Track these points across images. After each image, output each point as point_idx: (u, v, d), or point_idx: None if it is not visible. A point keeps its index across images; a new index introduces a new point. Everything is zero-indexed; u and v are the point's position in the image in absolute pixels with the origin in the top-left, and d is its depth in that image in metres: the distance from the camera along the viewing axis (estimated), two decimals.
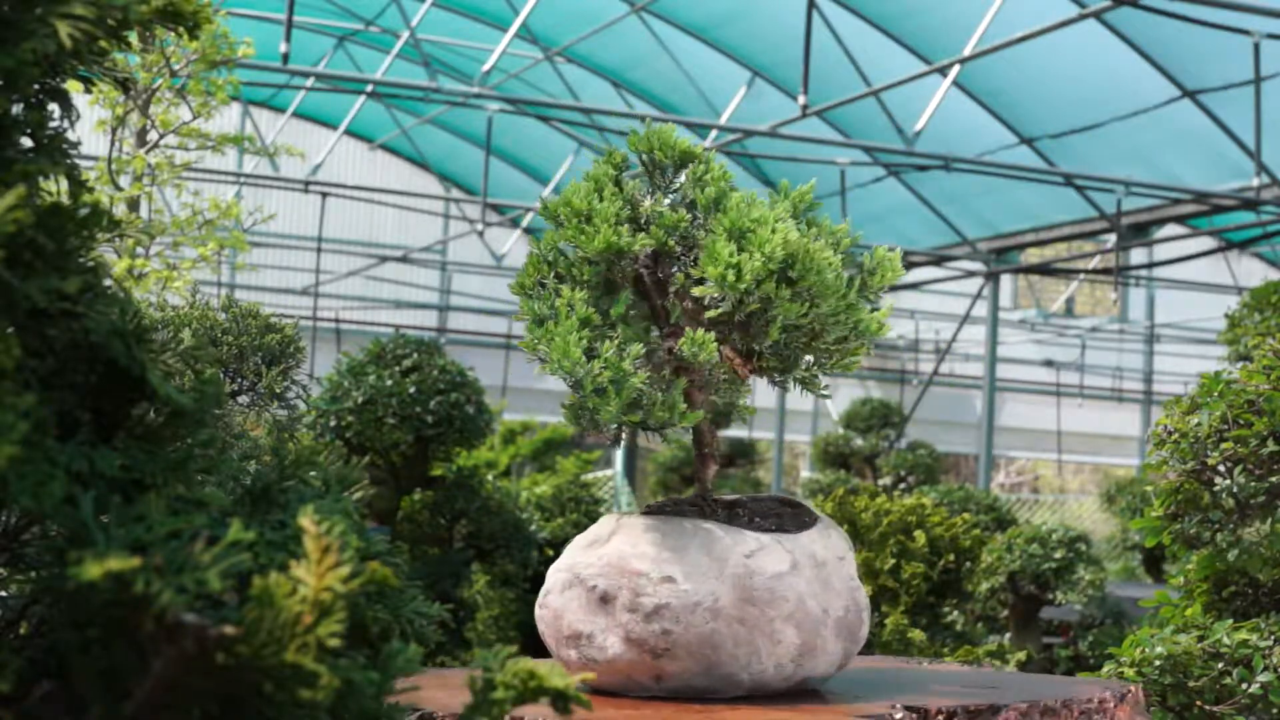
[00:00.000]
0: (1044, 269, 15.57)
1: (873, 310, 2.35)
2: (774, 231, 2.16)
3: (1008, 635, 7.24)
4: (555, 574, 2.31)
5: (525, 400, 16.85)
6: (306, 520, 1.06)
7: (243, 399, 2.91)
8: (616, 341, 2.18)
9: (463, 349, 17.53)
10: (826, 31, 9.86)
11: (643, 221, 2.30)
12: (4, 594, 1.32)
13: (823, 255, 2.20)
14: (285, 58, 8.34)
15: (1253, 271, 16.84)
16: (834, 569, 2.30)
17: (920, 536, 5.80)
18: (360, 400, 6.11)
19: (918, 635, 5.57)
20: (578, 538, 2.36)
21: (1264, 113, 9.43)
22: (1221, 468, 3.00)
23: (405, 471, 6.42)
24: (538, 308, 2.24)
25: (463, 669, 2.54)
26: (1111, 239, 12.63)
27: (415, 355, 6.35)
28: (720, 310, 2.20)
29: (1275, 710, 2.80)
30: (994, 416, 14.15)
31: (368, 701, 1.15)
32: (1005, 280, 20.32)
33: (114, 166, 5.47)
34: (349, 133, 17.08)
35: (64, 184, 1.25)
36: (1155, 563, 10.16)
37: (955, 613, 6.40)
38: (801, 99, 8.76)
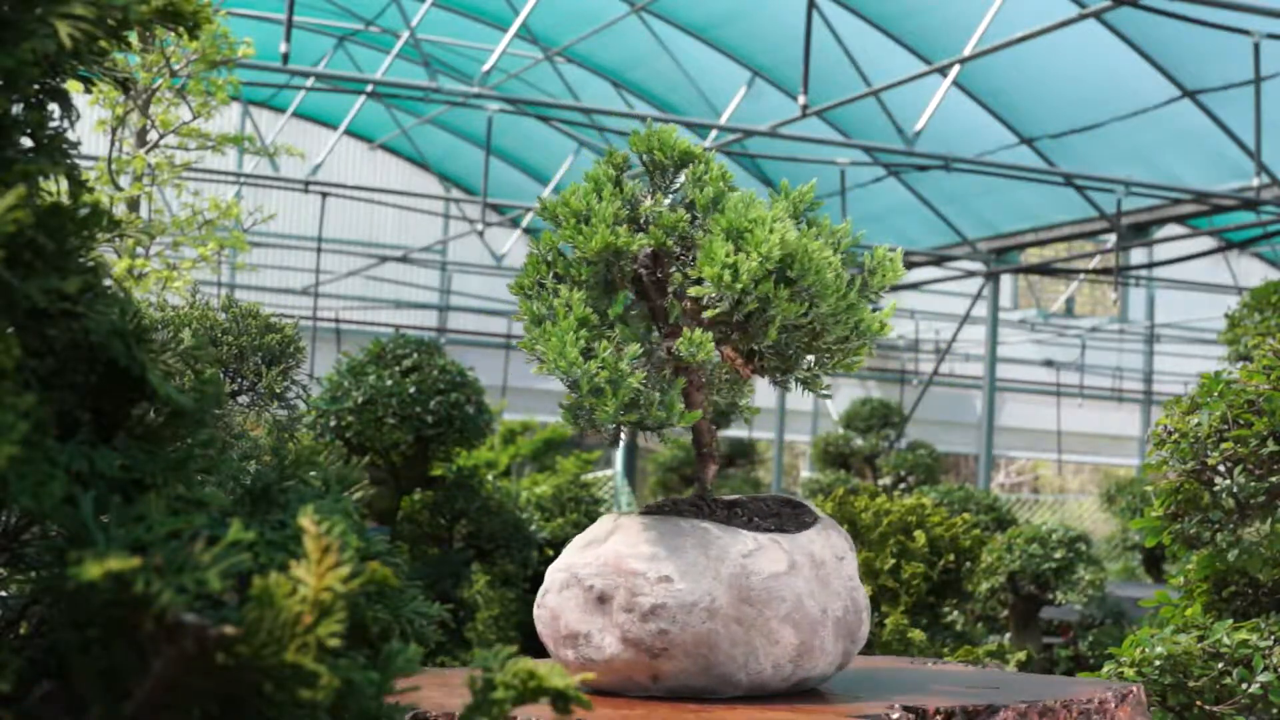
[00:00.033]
0: (1044, 269, 15.57)
1: (874, 310, 2.35)
2: (771, 231, 2.16)
3: (1008, 635, 7.24)
4: (553, 574, 2.31)
5: (525, 400, 16.86)
6: (306, 520, 1.06)
7: (243, 399, 2.91)
8: (614, 341, 2.18)
9: (463, 349, 17.53)
10: (826, 31, 9.86)
11: (642, 222, 2.31)
12: (4, 594, 1.32)
13: (822, 255, 2.20)
14: (285, 58, 8.34)
15: (1253, 271, 16.84)
16: (833, 569, 2.30)
17: (920, 536, 5.80)
18: (360, 400, 6.11)
19: (918, 635, 5.57)
20: (576, 538, 2.36)
21: (1264, 113, 9.43)
22: (1221, 468, 3.00)
23: (405, 471, 6.42)
24: (536, 308, 2.24)
25: (463, 669, 2.54)
26: (1111, 239, 12.63)
27: (415, 355, 6.35)
28: (718, 310, 2.20)
29: (1275, 710, 2.80)
30: (994, 416, 14.15)
31: (368, 701, 1.15)
32: (1005, 280, 20.32)
33: (114, 166, 5.47)
34: (349, 133, 17.08)
35: (64, 184, 1.25)
36: (1155, 563, 10.16)
37: (955, 613, 6.40)
38: (801, 99, 8.76)
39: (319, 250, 15.04)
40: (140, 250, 5.50)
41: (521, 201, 15.57)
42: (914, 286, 16.00)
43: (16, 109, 1.22)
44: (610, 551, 2.23)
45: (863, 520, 5.72)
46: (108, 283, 1.25)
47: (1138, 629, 3.12)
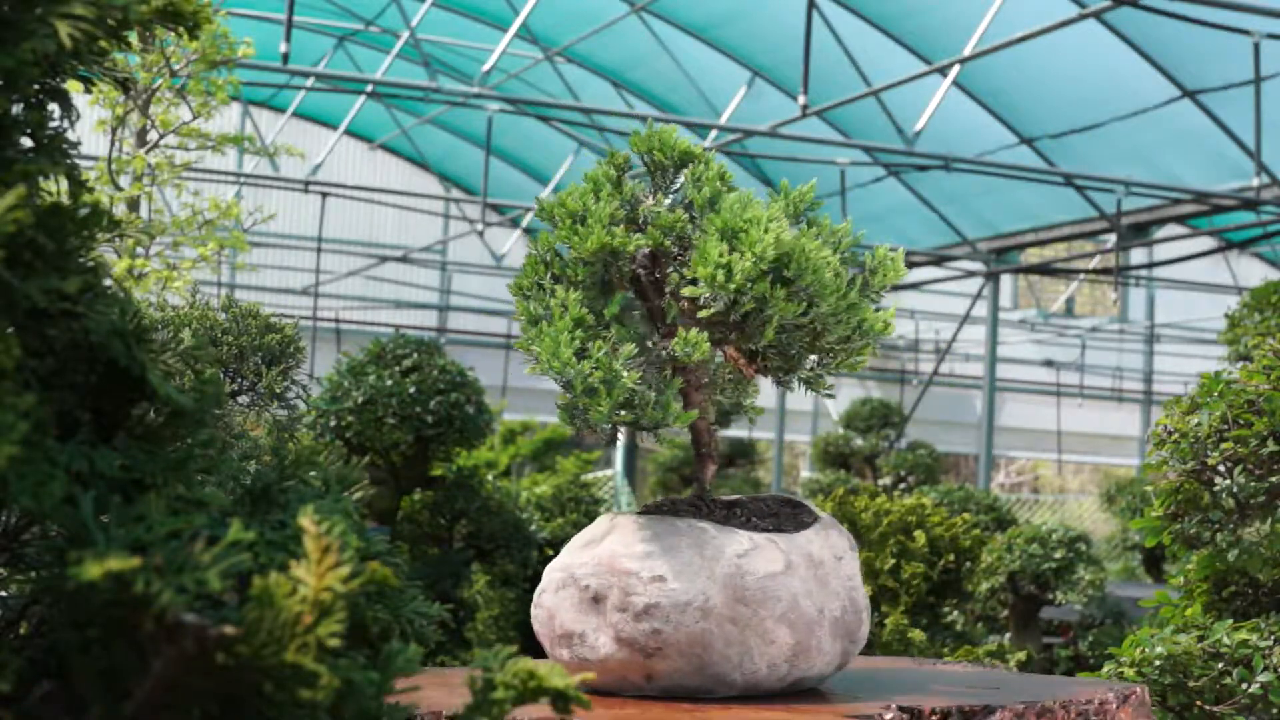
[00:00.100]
0: (1044, 269, 15.57)
1: (877, 310, 2.34)
2: (766, 231, 2.15)
3: (1008, 635, 7.24)
4: (550, 574, 2.31)
5: (525, 400, 16.86)
6: (306, 520, 1.06)
7: (243, 399, 2.91)
8: (610, 342, 2.18)
9: (463, 349, 17.53)
10: (826, 31, 9.86)
11: (641, 222, 2.31)
12: (4, 594, 1.32)
13: (819, 255, 2.20)
14: (285, 58, 8.34)
15: (1253, 271, 16.85)
16: (831, 569, 2.30)
17: (920, 536, 5.80)
18: (360, 400, 6.11)
19: (918, 635, 5.57)
20: (574, 538, 2.36)
21: (1264, 113, 9.43)
22: (1221, 468, 3.00)
23: (405, 471, 6.42)
24: (533, 308, 2.24)
25: (463, 669, 2.54)
26: (1111, 239, 12.63)
27: (415, 355, 6.35)
28: (712, 310, 2.19)
29: (1275, 710, 2.80)
30: (994, 416, 14.15)
31: (368, 701, 1.15)
32: (1005, 280, 20.32)
33: (114, 166, 5.47)
34: (349, 133, 17.08)
35: (64, 184, 1.25)
36: (1155, 563, 10.16)
37: (955, 613, 6.40)
38: (801, 99, 8.76)
39: (319, 250, 15.04)
40: (140, 250, 5.50)
41: (521, 201, 15.57)
42: (914, 286, 16.00)
43: (16, 109, 1.22)
44: (605, 551, 2.23)
45: (863, 520, 5.72)
46: (108, 283, 1.25)
47: (1138, 629, 3.12)
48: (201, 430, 1.28)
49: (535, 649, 2.38)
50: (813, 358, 2.34)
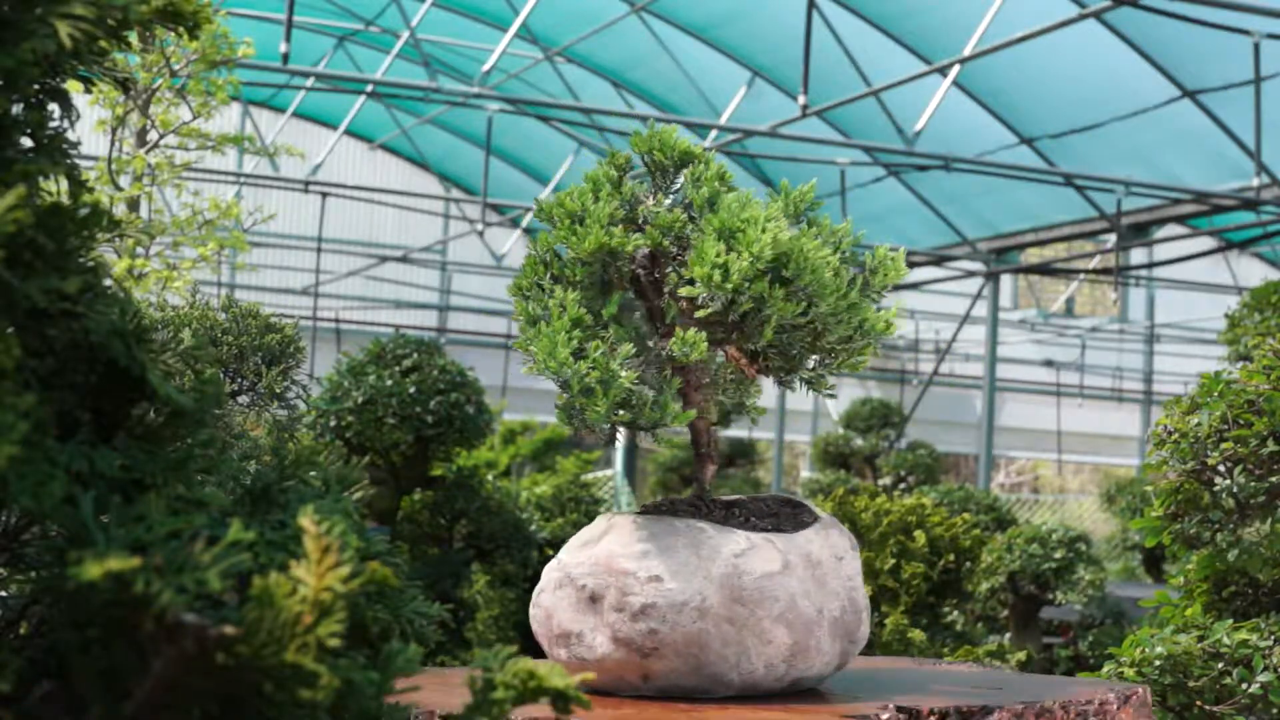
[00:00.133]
0: (1044, 269, 15.57)
1: (879, 310, 2.34)
2: (764, 231, 2.15)
3: (1008, 635, 7.24)
4: (548, 573, 2.32)
5: (525, 400, 16.86)
6: (306, 520, 1.06)
7: (243, 399, 2.91)
8: (607, 341, 2.18)
9: (463, 349, 17.53)
10: (826, 31, 9.86)
11: (640, 222, 2.31)
12: (4, 594, 1.32)
13: (818, 254, 2.20)
14: (285, 58, 8.34)
15: (1253, 271, 16.85)
16: (831, 569, 2.30)
17: (920, 536, 5.80)
18: (360, 400, 6.11)
19: (918, 635, 5.57)
20: (573, 537, 2.36)
21: (1264, 113, 9.43)
22: (1221, 468, 3.00)
23: (405, 471, 6.42)
24: (531, 308, 2.25)
25: (463, 669, 2.54)
26: (1111, 239, 12.63)
27: (415, 355, 6.35)
28: (710, 310, 2.19)
29: (1275, 710, 2.80)
30: (994, 416, 14.15)
31: (368, 701, 1.15)
32: (1005, 280, 20.33)
33: (114, 166, 5.47)
34: (349, 133, 17.08)
35: (64, 184, 1.25)
36: (1155, 563, 10.16)
37: (955, 613, 6.40)
38: (801, 99, 8.76)
39: (319, 250, 15.04)
40: (140, 250, 5.50)
41: (521, 201, 15.57)
42: (914, 286, 16.00)
43: (16, 109, 1.22)
44: (603, 551, 2.23)
45: (863, 520, 5.72)
46: (108, 283, 1.25)
47: (1138, 629, 3.12)
48: (201, 430, 1.28)
49: (535, 649, 2.38)
50: (814, 358, 2.34)
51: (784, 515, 2.37)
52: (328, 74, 10.52)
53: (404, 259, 17.71)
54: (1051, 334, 20.93)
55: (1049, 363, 21.42)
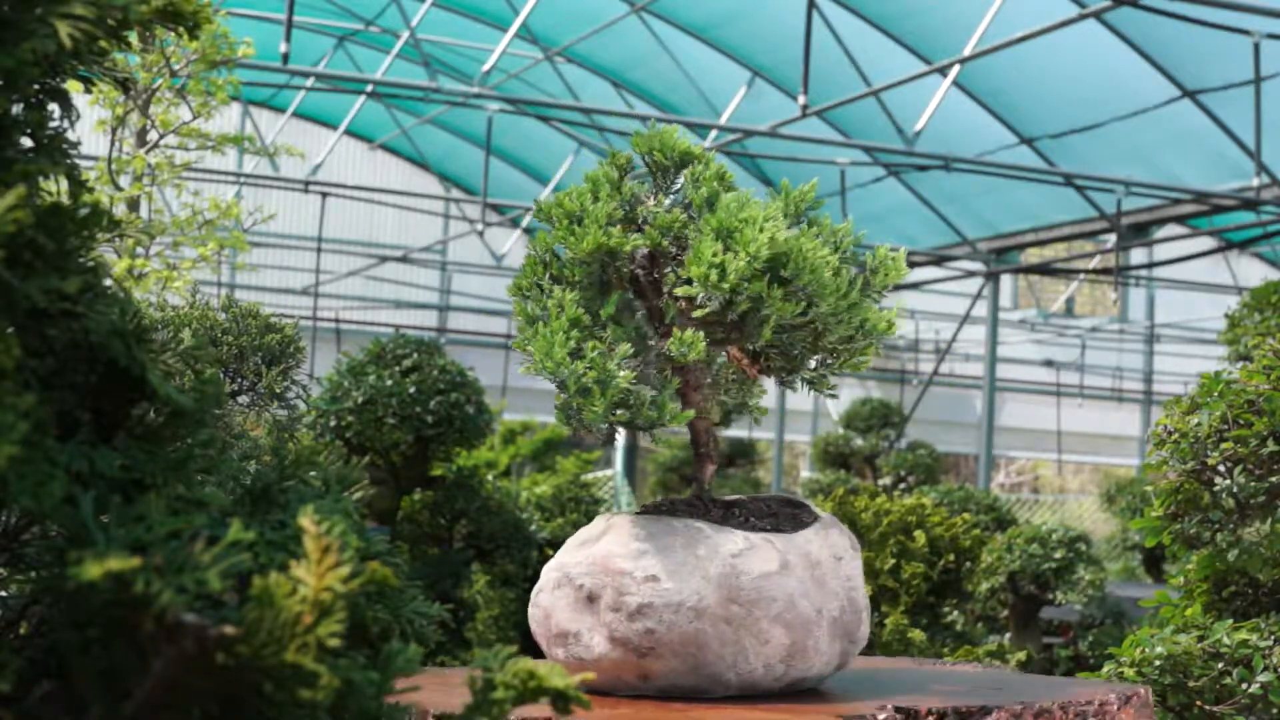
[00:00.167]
0: (1044, 269, 15.57)
1: (881, 310, 2.34)
2: (761, 231, 2.15)
3: (1008, 635, 7.24)
4: (547, 573, 2.32)
5: (525, 400, 16.86)
6: (306, 520, 1.06)
7: (243, 399, 2.91)
8: (605, 342, 2.18)
9: (463, 349, 17.53)
10: (826, 31, 9.86)
11: (639, 222, 2.31)
12: (4, 594, 1.32)
13: (817, 254, 2.20)
14: (285, 58, 8.34)
15: (1253, 271, 16.85)
16: (830, 569, 2.30)
17: (920, 536, 5.80)
18: (360, 400, 6.11)
19: (918, 635, 5.57)
20: (571, 537, 2.36)
21: (1264, 113, 9.43)
22: (1221, 468, 3.00)
23: (405, 471, 6.42)
24: (530, 309, 2.25)
25: (463, 669, 2.54)
26: (1111, 239, 12.63)
27: (415, 355, 6.35)
28: (707, 310, 2.19)
29: (1275, 710, 2.80)
30: (994, 416, 14.15)
31: (368, 701, 1.15)
32: (1005, 280, 20.33)
33: (114, 166, 5.47)
34: (349, 133, 17.08)
35: (64, 184, 1.25)
36: (1155, 563, 10.16)
37: (955, 613, 6.40)
38: (801, 99, 8.76)
39: (319, 250, 15.04)
40: (140, 250, 5.50)
41: (521, 201, 15.58)
42: (914, 286, 16.00)
43: (16, 109, 1.22)
44: (600, 551, 2.23)
45: (863, 520, 5.72)
46: (108, 283, 1.25)
47: (1138, 629, 3.12)
48: (201, 430, 1.28)
49: (535, 649, 2.38)
50: (816, 358, 2.34)
51: (784, 515, 2.37)
52: (328, 74, 10.52)
53: (404, 259, 17.71)
54: (1051, 334, 20.93)
55: (1049, 363, 21.42)
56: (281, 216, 17.25)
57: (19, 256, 1.12)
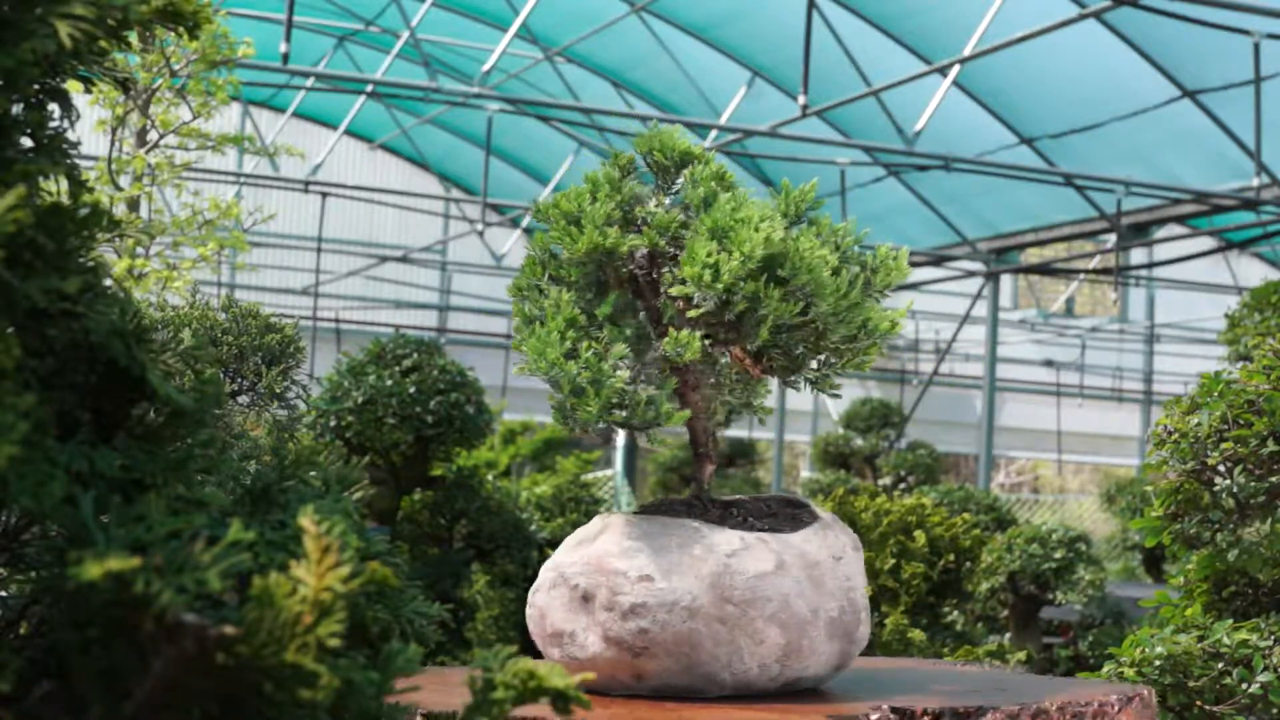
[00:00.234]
0: (1044, 269, 15.57)
1: (886, 310, 2.33)
2: (756, 231, 2.15)
3: (1008, 635, 7.24)
4: (544, 573, 2.32)
5: (525, 400, 16.84)
6: (306, 520, 1.06)
7: (243, 399, 2.91)
8: (601, 342, 2.18)
9: (463, 349, 17.53)
10: (826, 31, 9.86)
11: (638, 223, 2.31)
12: (4, 594, 1.32)
13: (816, 254, 2.20)
14: (285, 58, 8.34)
15: (1253, 271, 16.85)
16: (828, 569, 2.29)
17: (920, 536, 5.80)
18: (360, 400, 6.11)
19: (918, 635, 5.57)
20: (569, 537, 2.37)
21: (1264, 113, 9.43)
22: (1221, 468, 3.00)
23: (405, 471, 6.42)
24: (528, 309, 2.25)
25: (463, 669, 2.54)
26: (1111, 239, 12.63)
27: (415, 355, 6.34)
28: (703, 310, 2.19)
29: (1275, 710, 2.80)
30: (994, 416, 14.15)
31: (368, 701, 1.15)
32: (1005, 280, 20.32)
33: (114, 166, 5.47)
34: (349, 133, 17.08)
35: (64, 184, 1.25)
36: (1155, 563, 10.16)
37: (955, 613, 6.40)
38: (801, 99, 8.76)
39: (319, 250, 15.04)
40: (140, 250, 5.50)
41: (521, 201, 15.58)
42: (914, 286, 15.99)
43: (16, 109, 1.22)
44: (595, 550, 2.23)
45: (863, 520, 5.72)
46: (108, 283, 1.25)
47: (1138, 629, 3.12)
48: (201, 430, 1.28)
49: (536, 649, 2.38)
50: (819, 357, 2.33)
51: (784, 515, 2.36)
52: (328, 74, 10.52)
53: (404, 259, 17.71)
54: (1051, 334, 20.93)
55: (1049, 363, 21.42)
56: (281, 216, 17.25)
57: (19, 256, 1.12)
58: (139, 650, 1.05)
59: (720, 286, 2.14)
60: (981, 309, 15.12)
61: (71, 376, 1.23)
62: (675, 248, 2.27)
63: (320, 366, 8.17)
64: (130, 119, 5.61)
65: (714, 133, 12.00)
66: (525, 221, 18.33)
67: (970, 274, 14.56)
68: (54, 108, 1.28)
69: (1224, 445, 2.96)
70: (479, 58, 13.45)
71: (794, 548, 2.26)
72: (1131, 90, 10.93)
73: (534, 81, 14.21)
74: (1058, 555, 7.00)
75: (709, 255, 2.15)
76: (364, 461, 6.15)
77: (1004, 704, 2.15)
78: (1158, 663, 2.90)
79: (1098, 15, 9.10)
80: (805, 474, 17.52)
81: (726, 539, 2.21)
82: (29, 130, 1.23)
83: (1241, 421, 2.96)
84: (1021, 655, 6.33)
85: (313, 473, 1.39)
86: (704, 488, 2.40)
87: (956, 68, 9.99)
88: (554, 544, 6.83)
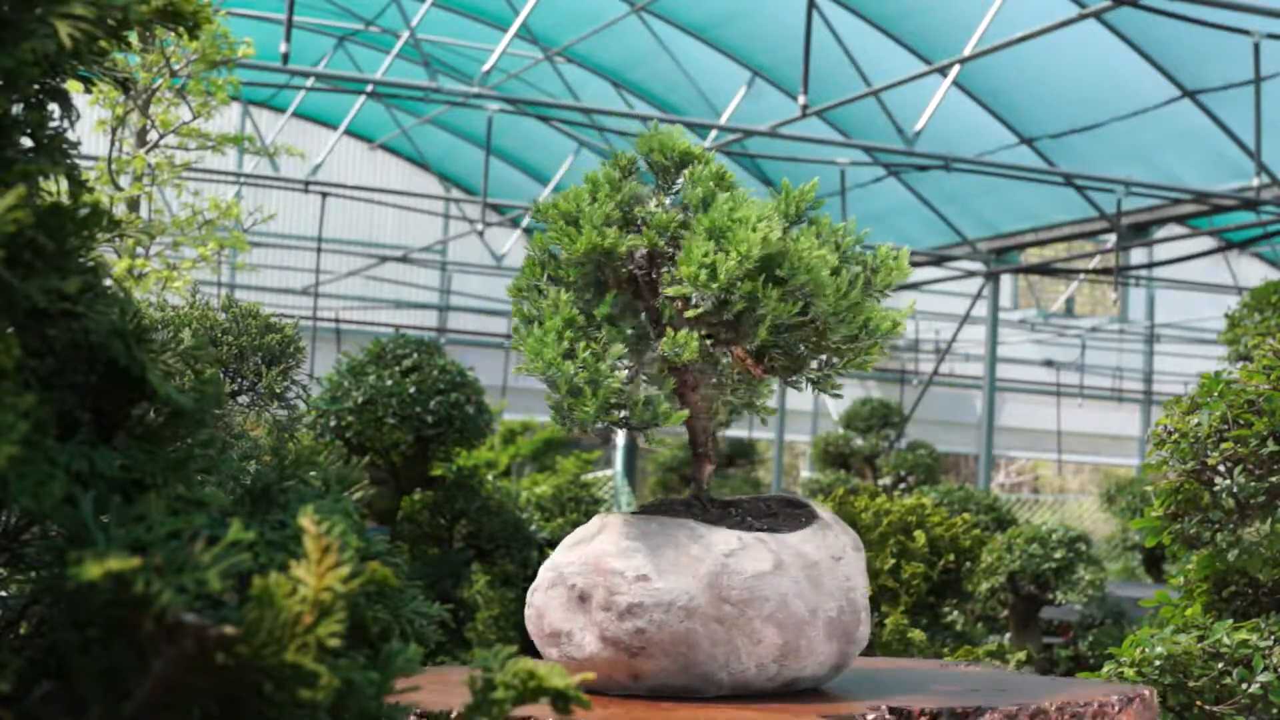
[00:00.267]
0: (1044, 269, 15.57)
1: (887, 309, 2.33)
2: (753, 231, 2.15)
3: (1008, 635, 7.24)
4: (542, 573, 2.32)
5: (525, 400, 16.84)
6: (306, 520, 1.06)
7: (243, 399, 2.91)
8: (599, 342, 2.18)
9: (463, 349, 17.53)
10: (826, 31, 9.86)
11: (638, 223, 2.31)
12: (4, 594, 1.32)
13: (814, 254, 2.19)
14: (285, 58, 8.34)
15: (1253, 271, 16.85)
16: (827, 569, 2.29)
17: (920, 536, 5.80)
18: (360, 400, 6.11)
19: (918, 635, 5.57)
20: (567, 537, 2.37)
21: (1264, 113, 9.43)
22: (1221, 468, 3.00)
23: (405, 471, 6.42)
24: (527, 309, 2.25)
25: (463, 669, 2.54)
26: (1111, 239, 12.63)
27: (415, 355, 6.34)
28: (700, 310, 2.19)
29: (1275, 710, 2.80)
30: (994, 416, 14.15)
31: (368, 701, 1.15)
32: (1005, 280, 20.32)
33: (114, 166, 5.47)
34: (349, 133, 17.08)
35: (64, 184, 1.25)
36: (1155, 563, 10.16)
37: (955, 613, 6.40)
38: (801, 99, 8.76)
39: (319, 250, 15.04)
40: (140, 250, 5.50)
41: (521, 201, 15.58)
42: (914, 286, 15.99)
43: (16, 109, 1.22)
44: (593, 550, 2.23)
45: (863, 520, 5.72)
46: (108, 283, 1.25)
47: (1138, 629, 3.12)
48: (201, 430, 1.28)
49: (535, 649, 2.38)
50: (821, 357, 2.33)
51: (784, 515, 2.36)
52: (328, 74, 10.52)
53: (404, 259, 17.71)
54: (1051, 334, 20.93)
55: (1049, 363, 21.42)
56: (281, 216, 17.25)
57: (19, 256, 1.12)
58: (139, 650, 1.05)
59: (716, 286, 2.14)
60: (981, 309, 15.12)
61: (71, 376, 1.23)
62: (674, 248, 2.27)
63: (320, 366, 8.17)
64: (130, 119, 5.61)
65: (714, 133, 11.99)
66: (525, 221, 18.33)
67: (970, 274, 14.55)
68: (54, 108, 1.28)
69: (1224, 445, 2.96)
70: (479, 58, 13.45)
71: (792, 548, 2.26)
72: (1131, 90, 10.93)
73: (534, 81, 14.21)
74: (1058, 555, 7.00)
75: (706, 255, 2.15)
76: (364, 461, 6.15)
77: (1002, 704, 2.15)
78: (1158, 663, 2.90)
79: (1098, 15, 9.10)
80: (805, 474, 17.51)
81: (724, 539, 2.21)
82: (29, 130, 1.23)
83: (1241, 421, 2.96)
84: (1021, 655, 6.33)
85: (313, 473, 1.39)
86: (703, 488, 2.40)
87: (956, 68, 9.99)
88: (554, 544, 6.83)
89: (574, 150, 15.64)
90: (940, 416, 19.80)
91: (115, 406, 1.26)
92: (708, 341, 2.25)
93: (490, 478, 7.22)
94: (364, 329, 18.18)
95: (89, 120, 5.36)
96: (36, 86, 1.26)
